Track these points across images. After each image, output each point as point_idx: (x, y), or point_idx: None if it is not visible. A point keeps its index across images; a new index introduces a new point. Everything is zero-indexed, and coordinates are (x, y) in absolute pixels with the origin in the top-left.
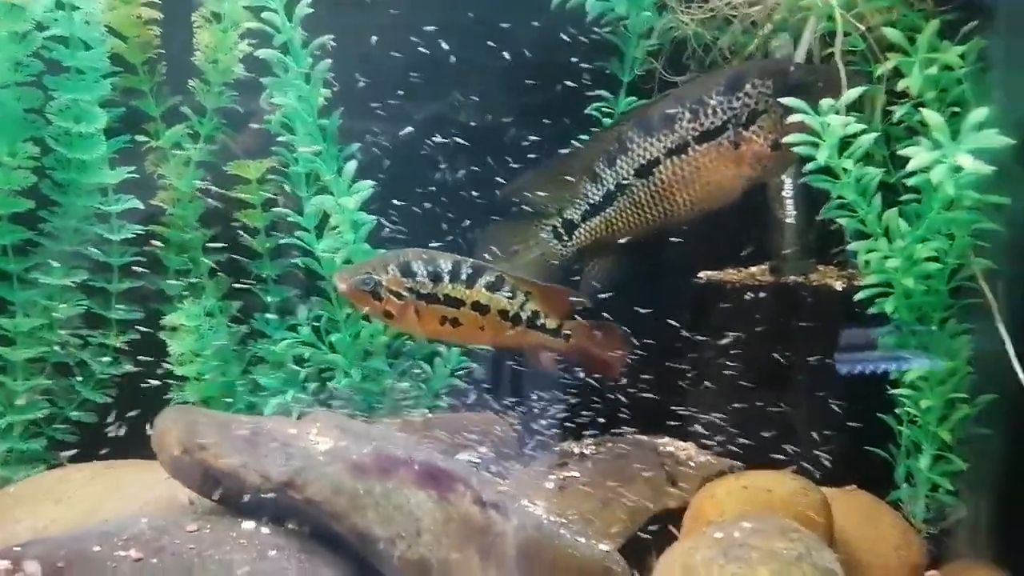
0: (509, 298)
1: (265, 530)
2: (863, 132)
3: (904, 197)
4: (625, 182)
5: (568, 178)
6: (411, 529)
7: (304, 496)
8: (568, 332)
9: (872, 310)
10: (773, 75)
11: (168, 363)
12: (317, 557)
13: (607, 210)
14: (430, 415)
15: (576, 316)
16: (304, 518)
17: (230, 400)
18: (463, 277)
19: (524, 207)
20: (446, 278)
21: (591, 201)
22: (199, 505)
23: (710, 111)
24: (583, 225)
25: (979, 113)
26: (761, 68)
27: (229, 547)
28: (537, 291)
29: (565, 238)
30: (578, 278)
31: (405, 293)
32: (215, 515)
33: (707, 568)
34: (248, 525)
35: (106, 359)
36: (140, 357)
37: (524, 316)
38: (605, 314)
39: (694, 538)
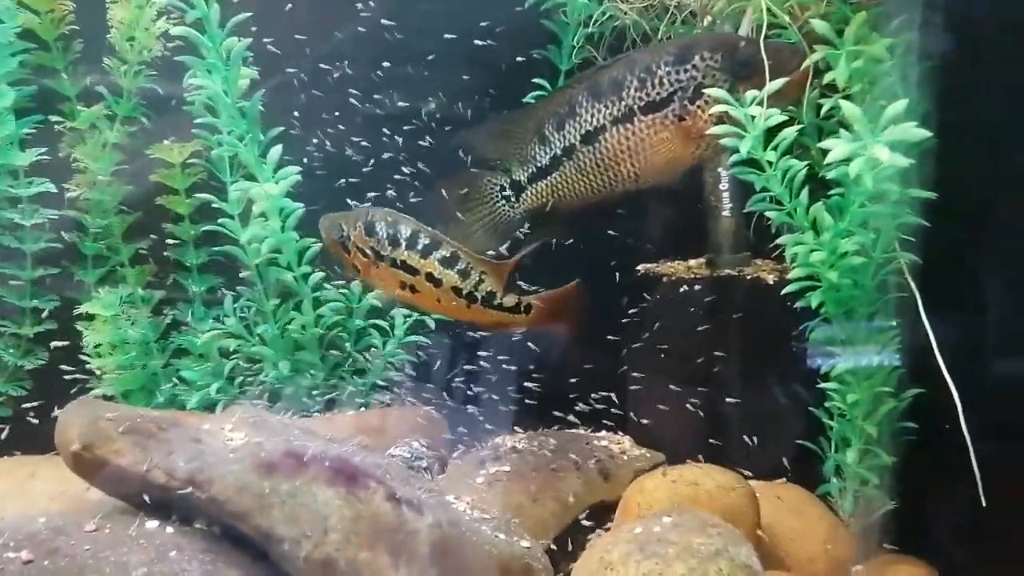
0: (462, 276)
1: (169, 530)
2: (787, 124)
3: (832, 191)
4: (571, 147)
5: (518, 136)
6: (318, 528)
7: (207, 495)
8: (528, 305)
9: (800, 304)
10: (722, 49)
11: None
12: (222, 558)
13: (553, 174)
14: (363, 409)
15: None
16: (212, 518)
17: (151, 393)
18: (419, 246)
19: (476, 162)
20: (403, 244)
21: (538, 164)
22: (104, 503)
23: (657, 81)
24: (530, 187)
25: (897, 106)
26: (711, 41)
27: (127, 548)
28: (491, 269)
29: (512, 199)
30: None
31: (368, 251)
32: (119, 514)
33: (624, 564)
34: (151, 524)
35: (19, 350)
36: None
37: (479, 296)
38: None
39: (615, 533)
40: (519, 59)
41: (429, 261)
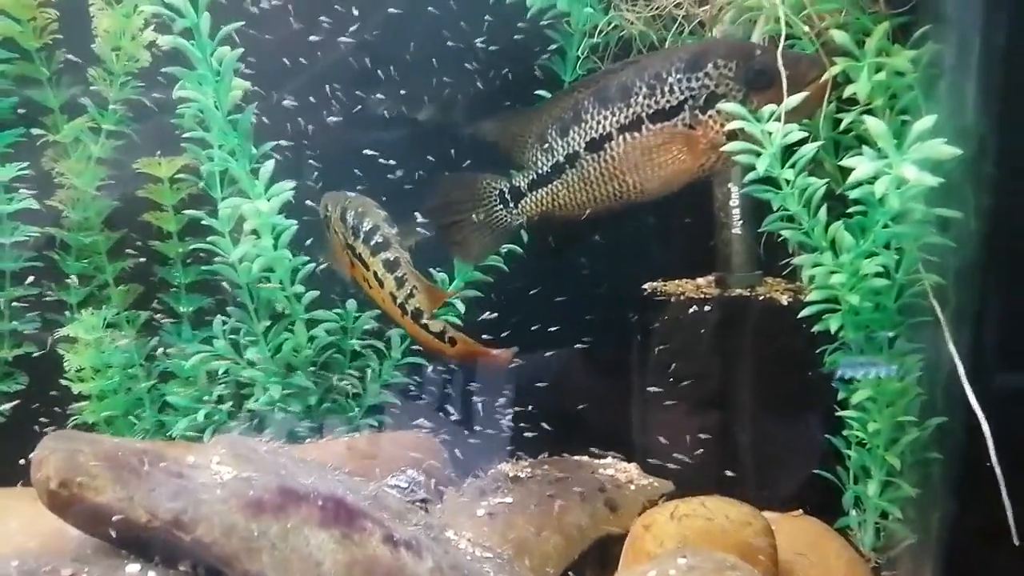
0: (398, 284)
1: (151, 574)
2: (806, 140)
3: (852, 209)
4: (575, 154)
5: (520, 139)
6: (310, 575)
7: (192, 537)
8: (452, 339)
9: (817, 327)
10: (737, 57)
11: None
12: None
13: (555, 182)
14: (357, 435)
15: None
16: (197, 560)
17: (135, 420)
18: (371, 243)
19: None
20: (361, 237)
21: (540, 170)
22: (83, 543)
23: (667, 88)
24: (530, 195)
25: (925, 122)
26: (726, 48)
27: None
28: (423, 288)
29: (511, 205)
30: None
31: (340, 236)
32: (99, 555)
33: None
34: (132, 568)
35: None
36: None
37: (409, 309)
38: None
39: (626, 574)
40: (523, 70)
41: (376, 260)
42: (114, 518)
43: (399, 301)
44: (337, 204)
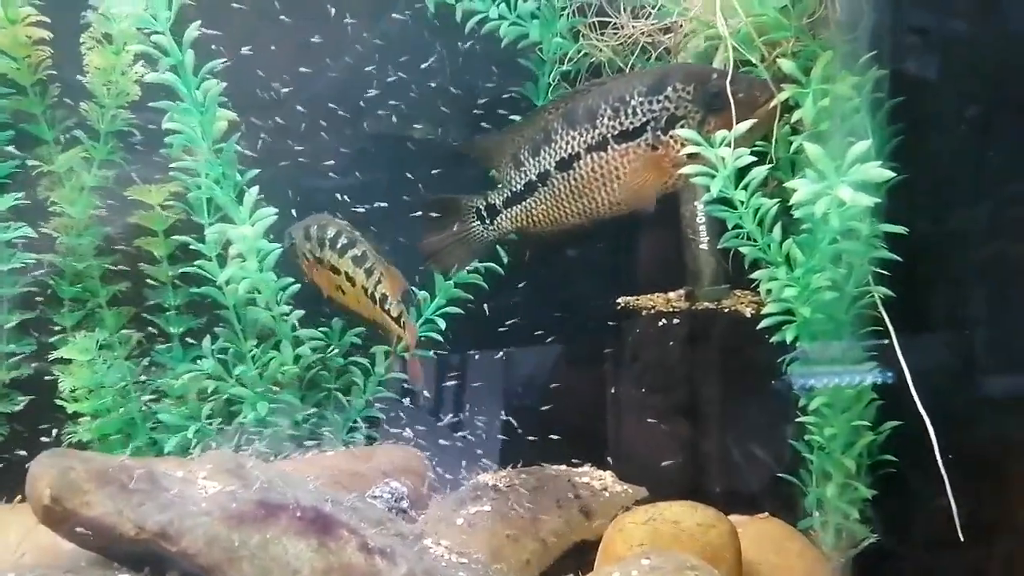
0: (367, 275)
1: None
2: (757, 163)
3: (803, 227)
4: (546, 173)
5: (496, 158)
6: None
7: (178, 548)
8: (404, 323)
9: (775, 338)
10: (695, 81)
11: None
12: None
13: (528, 200)
14: (344, 448)
15: None
16: (183, 570)
17: (128, 438)
18: (338, 246)
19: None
20: (327, 245)
21: (513, 188)
22: (77, 555)
23: (630, 111)
24: (505, 211)
25: (861, 146)
26: (685, 73)
27: None
28: (388, 273)
29: (487, 222)
30: None
31: (308, 254)
32: (92, 567)
33: None
34: None
35: None
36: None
37: (377, 296)
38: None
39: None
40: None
41: (345, 260)
42: (102, 531)
43: (370, 292)
44: (299, 229)
